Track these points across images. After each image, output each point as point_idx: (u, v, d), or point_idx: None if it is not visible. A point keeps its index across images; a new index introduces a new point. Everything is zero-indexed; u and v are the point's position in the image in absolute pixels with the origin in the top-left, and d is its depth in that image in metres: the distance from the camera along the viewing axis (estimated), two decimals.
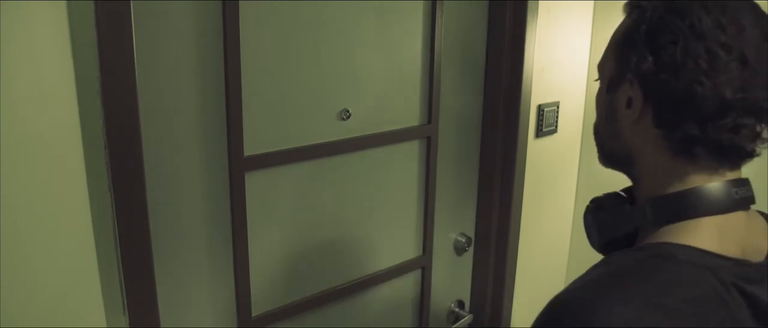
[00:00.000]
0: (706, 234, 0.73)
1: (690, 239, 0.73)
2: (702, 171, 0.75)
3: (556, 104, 1.88)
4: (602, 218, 0.85)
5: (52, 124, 0.96)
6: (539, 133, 1.84)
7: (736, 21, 0.70)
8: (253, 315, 1.35)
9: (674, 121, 0.73)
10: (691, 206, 0.74)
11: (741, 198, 0.75)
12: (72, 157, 0.99)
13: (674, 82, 0.71)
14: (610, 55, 0.82)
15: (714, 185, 0.74)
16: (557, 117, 1.90)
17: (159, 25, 1.09)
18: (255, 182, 1.29)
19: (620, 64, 0.79)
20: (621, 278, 0.72)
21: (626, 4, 0.80)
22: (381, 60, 1.45)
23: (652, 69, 0.73)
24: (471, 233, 1.88)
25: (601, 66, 0.85)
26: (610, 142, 0.85)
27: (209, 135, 1.20)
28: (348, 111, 1.41)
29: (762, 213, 0.82)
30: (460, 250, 1.84)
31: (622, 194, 0.87)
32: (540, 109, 1.82)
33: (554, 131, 1.91)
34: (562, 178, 2.04)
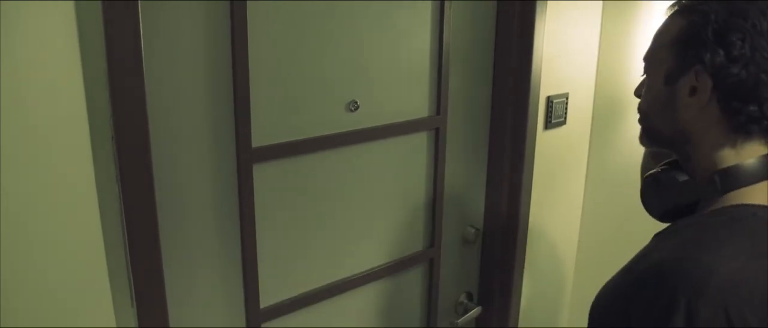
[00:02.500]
0: (763, 195, 0.88)
1: (755, 200, 0.87)
2: (755, 145, 0.89)
3: (566, 96, 1.87)
4: (666, 189, 0.98)
5: (60, 116, 0.96)
6: (548, 124, 1.83)
7: None
8: (261, 307, 1.36)
9: (740, 105, 0.86)
10: (752, 174, 0.89)
11: None
12: (80, 149, 0.99)
13: (744, 73, 0.84)
14: (664, 52, 0.94)
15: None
16: (566, 109, 1.88)
17: (166, 17, 1.08)
18: (263, 174, 1.29)
19: (681, 58, 0.91)
20: (718, 236, 0.84)
21: (678, 7, 0.94)
22: (389, 51, 1.44)
23: (723, 62, 0.85)
24: (479, 225, 1.87)
25: (652, 62, 0.98)
26: (664, 127, 0.96)
27: (217, 126, 1.20)
28: (356, 102, 1.40)
29: None
30: (468, 242, 1.84)
31: (678, 169, 1.00)
32: (549, 100, 1.81)
33: (563, 123, 1.90)
34: (571, 170, 2.03)
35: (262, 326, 1.37)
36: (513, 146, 1.77)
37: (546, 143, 1.85)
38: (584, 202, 2.11)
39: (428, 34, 1.51)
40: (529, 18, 1.66)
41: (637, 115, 1.04)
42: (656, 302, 0.82)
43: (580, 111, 1.96)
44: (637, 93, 1.05)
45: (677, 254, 0.84)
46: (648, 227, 1.07)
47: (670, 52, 0.93)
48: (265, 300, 1.37)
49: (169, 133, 1.14)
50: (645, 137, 1.03)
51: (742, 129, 0.88)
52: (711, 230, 0.86)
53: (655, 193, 1.01)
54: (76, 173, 0.99)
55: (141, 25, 1.00)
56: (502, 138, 1.78)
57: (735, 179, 0.89)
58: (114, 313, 1.09)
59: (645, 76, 1.01)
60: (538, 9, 1.65)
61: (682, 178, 0.97)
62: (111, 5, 0.96)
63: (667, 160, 1.04)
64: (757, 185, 0.88)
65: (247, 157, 1.24)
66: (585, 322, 2.31)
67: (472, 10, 1.63)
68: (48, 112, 0.94)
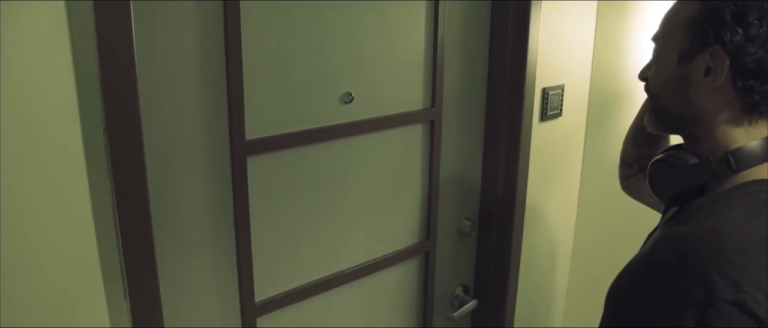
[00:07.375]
0: None
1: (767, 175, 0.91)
2: (764, 126, 0.92)
3: (561, 87, 1.86)
4: (677, 171, 0.98)
5: (51, 109, 0.95)
6: (544, 116, 1.83)
7: None
8: (256, 301, 1.35)
9: (756, 84, 0.88)
10: (762, 153, 0.91)
11: None
12: (71, 142, 0.98)
13: (761, 52, 0.86)
14: (679, 33, 0.94)
15: None
16: (562, 100, 1.88)
17: (158, 8, 1.07)
18: (257, 167, 1.28)
19: (697, 39, 0.91)
20: (737, 209, 0.87)
21: None
22: (384, 42, 1.43)
23: (741, 42, 0.86)
24: (475, 218, 1.87)
25: (664, 43, 0.99)
26: (676, 108, 0.97)
27: (210, 119, 1.19)
28: (351, 94, 1.39)
29: None
30: (464, 235, 1.84)
31: (684, 152, 1.00)
32: (544, 92, 1.81)
33: (559, 115, 1.89)
34: (567, 162, 2.02)
35: (258, 319, 1.37)
36: (508, 138, 1.77)
37: (542, 135, 1.85)
38: (580, 194, 2.11)
39: (423, 26, 1.50)
40: (524, 10, 1.65)
41: (646, 97, 1.04)
42: (678, 273, 0.82)
43: (575, 103, 1.95)
44: (642, 76, 1.05)
45: (696, 228, 0.87)
46: (644, 219, 1.07)
47: (686, 34, 0.94)
48: (260, 294, 1.36)
49: (162, 126, 1.13)
50: (654, 118, 1.03)
51: (755, 109, 0.90)
52: (728, 204, 0.89)
53: (666, 176, 1.01)
54: (68, 167, 0.99)
55: (132, 17, 0.99)
56: (497, 130, 1.77)
57: (748, 158, 0.91)
58: (107, 308, 1.09)
59: (652, 58, 1.02)
60: (534, 1, 1.64)
61: (693, 160, 0.97)
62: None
63: (670, 146, 1.04)
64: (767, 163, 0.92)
65: (240, 149, 1.23)
66: (581, 314, 2.32)
67: (467, 1, 1.62)
68: (38, 107, 0.93)
